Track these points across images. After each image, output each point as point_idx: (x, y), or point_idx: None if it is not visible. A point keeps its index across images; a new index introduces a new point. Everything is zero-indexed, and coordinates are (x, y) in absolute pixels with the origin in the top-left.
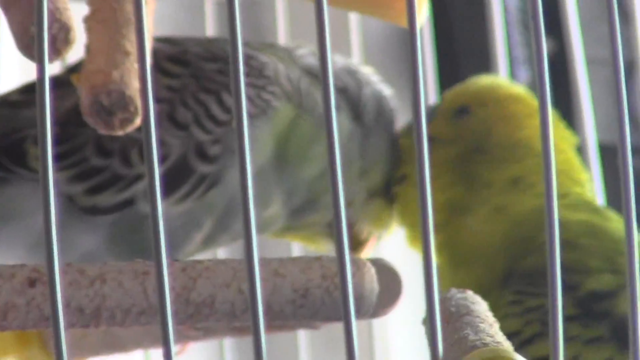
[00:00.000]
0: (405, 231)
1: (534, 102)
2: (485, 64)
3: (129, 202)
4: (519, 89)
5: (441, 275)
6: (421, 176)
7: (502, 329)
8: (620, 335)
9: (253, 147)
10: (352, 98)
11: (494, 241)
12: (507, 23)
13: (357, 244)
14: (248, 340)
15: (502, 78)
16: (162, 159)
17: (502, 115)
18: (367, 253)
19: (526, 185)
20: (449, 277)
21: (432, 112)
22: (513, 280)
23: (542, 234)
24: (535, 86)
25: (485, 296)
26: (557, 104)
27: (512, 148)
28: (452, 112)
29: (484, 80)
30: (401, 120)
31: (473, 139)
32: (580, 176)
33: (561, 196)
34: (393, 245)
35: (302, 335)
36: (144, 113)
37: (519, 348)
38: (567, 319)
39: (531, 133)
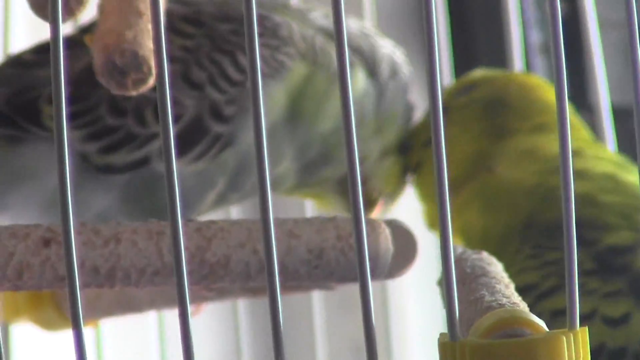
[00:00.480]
0: (422, 191)
1: (545, 83)
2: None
3: (143, 162)
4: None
5: (469, 225)
6: (436, 137)
7: (520, 281)
8: (638, 289)
9: (266, 106)
10: (367, 56)
11: (523, 185)
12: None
13: (368, 203)
14: (262, 302)
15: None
16: (176, 119)
17: (512, 80)
18: (377, 212)
19: (551, 130)
20: (477, 225)
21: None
22: (532, 232)
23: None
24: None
25: (505, 246)
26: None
27: (530, 102)
28: (454, 93)
29: (484, 71)
30: (416, 86)
31: (488, 96)
32: (584, 134)
33: (587, 147)
34: (408, 206)
35: (316, 297)
36: (158, 73)
37: (536, 301)
38: (585, 274)
39: (546, 97)
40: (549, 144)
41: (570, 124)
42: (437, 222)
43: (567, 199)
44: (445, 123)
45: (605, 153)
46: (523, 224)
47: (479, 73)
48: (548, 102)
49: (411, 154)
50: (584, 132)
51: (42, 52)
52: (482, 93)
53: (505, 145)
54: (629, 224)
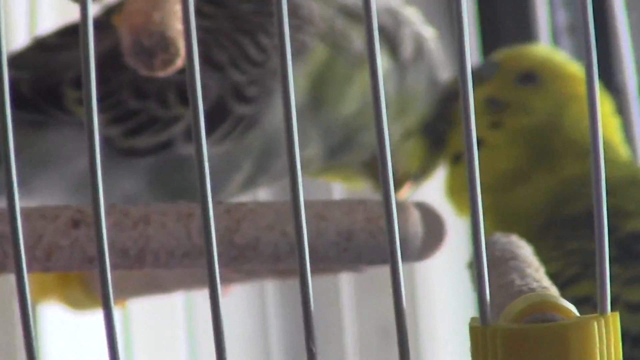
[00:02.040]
0: (449, 182)
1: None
2: (527, 27)
3: (167, 144)
4: (580, 68)
5: (495, 221)
6: (467, 127)
7: (547, 274)
8: None
9: (295, 86)
10: (389, 36)
11: (539, 199)
12: None
13: (394, 184)
14: (289, 284)
15: (558, 50)
16: (203, 101)
17: (573, 94)
18: (404, 193)
19: (586, 156)
20: (505, 223)
21: (490, 69)
22: (553, 227)
23: (583, 187)
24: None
25: (534, 240)
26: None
27: (583, 129)
28: (517, 76)
29: (543, 49)
30: (446, 64)
31: (546, 112)
32: (618, 136)
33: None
34: (437, 190)
35: (344, 279)
36: (186, 54)
37: (559, 290)
38: (613, 261)
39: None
40: (570, 167)
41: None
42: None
43: (598, 184)
44: (499, 118)
45: (628, 161)
46: (541, 226)
47: (539, 57)
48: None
49: (449, 143)
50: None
51: (66, 35)
52: (542, 96)
53: (542, 169)
54: None
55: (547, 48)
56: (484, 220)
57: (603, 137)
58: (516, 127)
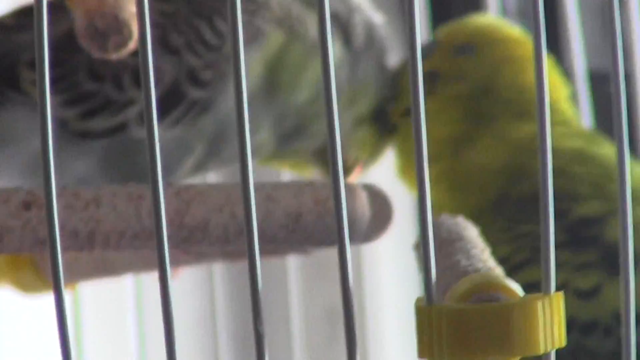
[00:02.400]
0: (400, 162)
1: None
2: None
3: (122, 127)
4: (519, 31)
5: (437, 205)
6: (415, 107)
7: (492, 255)
8: (609, 261)
9: (248, 70)
10: (342, 24)
11: (492, 167)
12: None
13: (344, 170)
14: (237, 266)
15: (499, 18)
16: (157, 82)
17: (508, 56)
18: (353, 178)
19: (529, 118)
20: (445, 204)
21: (430, 47)
22: (505, 206)
23: (536, 161)
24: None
25: (477, 221)
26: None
27: (518, 89)
28: (454, 48)
29: (482, 19)
30: (394, 50)
31: (480, 78)
32: (567, 101)
33: (556, 123)
34: (384, 172)
35: (292, 261)
36: (140, 36)
37: (508, 274)
38: (556, 246)
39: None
40: (520, 130)
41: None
42: (410, 176)
43: (544, 168)
44: (432, 89)
45: (578, 129)
46: (493, 201)
47: (476, 27)
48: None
49: (398, 101)
50: (566, 108)
51: (22, 16)
52: (477, 64)
53: (482, 131)
54: (599, 194)
55: (486, 18)
56: (436, 191)
57: (551, 103)
58: (449, 94)
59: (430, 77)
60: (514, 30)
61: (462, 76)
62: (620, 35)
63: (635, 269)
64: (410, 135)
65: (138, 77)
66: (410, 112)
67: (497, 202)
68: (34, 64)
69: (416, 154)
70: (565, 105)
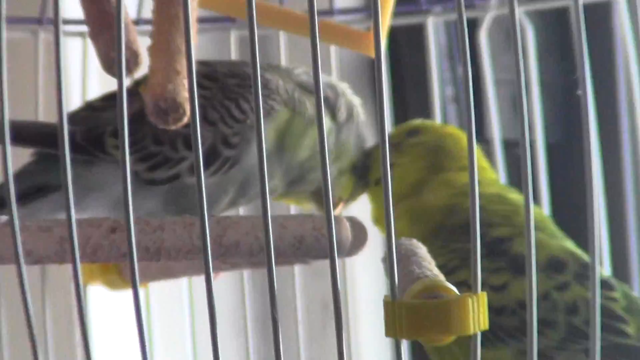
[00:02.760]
0: (374, 213)
1: (461, 133)
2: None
3: (176, 176)
4: (452, 128)
5: (399, 232)
6: (384, 174)
7: (436, 265)
8: (514, 267)
9: (265, 138)
10: (331, 105)
11: (436, 206)
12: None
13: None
14: (260, 272)
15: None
16: (202, 146)
17: (445, 133)
18: (338, 211)
19: (463, 173)
20: (404, 231)
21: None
22: (442, 232)
23: (466, 201)
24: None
25: (425, 242)
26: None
27: (458, 149)
28: (404, 134)
29: (422, 120)
30: (367, 123)
31: (424, 149)
32: (489, 171)
33: (480, 177)
34: (362, 209)
35: (297, 269)
36: (191, 113)
37: (445, 276)
38: (481, 257)
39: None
40: (463, 177)
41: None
42: (382, 221)
43: (473, 207)
44: (397, 155)
45: (495, 181)
46: (436, 228)
47: (419, 121)
48: (463, 152)
49: (372, 172)
50: (487, 168)
51: (107, 100)
52: (426, 138)
53: (435, 178)
54: (508, 223)
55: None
56: (400, 222)
57: (484, 168)
58: (408, 159)
59: (395, 147)
60: (445, 126)
61: (417, 144)
62: (526, 116)
63: (516, 275)
64: (381, 197)
65: (188, 141)
66: (378, 182)
67: (438, 228)
68: (116, 133)
69: (385, 210)
70: (487, 168)
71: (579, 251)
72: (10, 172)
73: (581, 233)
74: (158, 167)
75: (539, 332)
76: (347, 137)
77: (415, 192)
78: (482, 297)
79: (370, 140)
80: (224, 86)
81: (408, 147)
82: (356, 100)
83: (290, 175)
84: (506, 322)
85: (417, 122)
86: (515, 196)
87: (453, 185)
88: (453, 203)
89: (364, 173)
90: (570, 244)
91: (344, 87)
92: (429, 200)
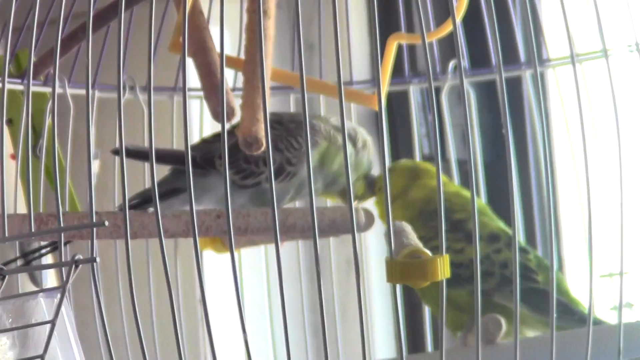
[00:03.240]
0: (379, 211)
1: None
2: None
3: (258, 183)
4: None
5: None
6: (385, 191)
7: (418, 236)
8: (468, 238)
9: (311, 158)
10: (352, 138)
11: (418, 199)
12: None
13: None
14: (309, 241)
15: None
16: (272, 164)
17: (419, 172)
18: (355, 205)
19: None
20: (397, 217)
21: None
22: (422, 216)
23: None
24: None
25: (410, 222)
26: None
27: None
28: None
29: (407, 165)
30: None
31: (405, 182)
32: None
33: (446, 184)
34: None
35: (332, 239)
36: (267, 144)
37: (424, 244)
38: (446, 231)
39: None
40: (433, 183)
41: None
42: (384, 217)
43: (440, 199)
44: (392, 174)
45: (454, 186)
46: (418, 214)
47: (404, 160)
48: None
49: (376, 184)
50: (447, 181)
51: (215, 137)
52: (405, 169)
53: (415, 183)
54: (463, 210)
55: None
56: (395, 212)
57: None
58: (397, 177)
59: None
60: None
61: (403, 170)
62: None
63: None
64: (382, 201)
65: (264, 161)
66: (380, 190)
67: (420, 214)
68: (221, 156)
69: (385, 210)
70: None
71: (507, 229)
72: (155, 180)
73: (507, 216)
74: (247, 177)
75: (482, 279)
76: (361, 158)
77: (403, 193)
78: (446, 258)
79: (375, 162)
80: (288, 128)
81: (398, 170)
82: (368, 137)
83: (327, 180)
84: (463, 273)
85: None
86: (466, 193)
87: (427, 187)
88: (428, 198)
89: (371, 185)
90: (502, 224)
91: (361, 129)
92: (412, 196)
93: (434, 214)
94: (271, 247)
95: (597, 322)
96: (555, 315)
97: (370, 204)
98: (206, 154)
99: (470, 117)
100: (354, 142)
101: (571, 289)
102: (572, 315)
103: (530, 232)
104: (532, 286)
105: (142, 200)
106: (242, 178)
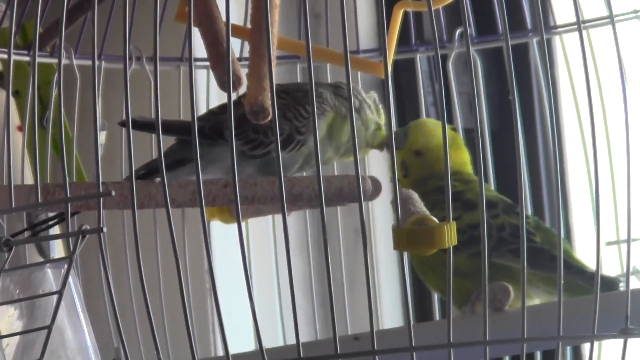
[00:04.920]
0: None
1: (453, 133)
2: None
3: (268, 153)
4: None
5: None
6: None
7: (425, 205)
8: (464, 206)
9: (319, 127)
10: (357, 108)
11: (421, 178)
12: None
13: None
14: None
15: (436, 127)
16: (281, 134)
17: (439, 157)
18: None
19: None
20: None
21: (401, 140)
22: (427, 189)
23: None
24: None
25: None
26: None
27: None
28: (413, 152)
29: (428, 130)
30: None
31: (426, 171)
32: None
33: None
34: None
35: (339, 208)
36: (274, 113)
37: (430, 212)
38: (442, 202)
39: (453, 158)
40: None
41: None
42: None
43: (447, 182)
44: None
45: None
46: (425, 188)
47: (423, 138)
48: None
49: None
50: (461, 145)
51: (222, 107)
52: (425, 163)
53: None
54: (462, 182)
55: (429, 125)
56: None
57: (461, 168)
58: (411, 178)
59: (404, 167)
60: (439, 135)
61: (417, 168)
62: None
63: (466, 211)
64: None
65: (272, 131)
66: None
67: (426, 190)
68: (228, 127)
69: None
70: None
71: (504, 197)
72: (161, 150)
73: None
74: (256, 147)
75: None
76: (367, 121)
77: (421, 182)
78: (453, 225)
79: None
80: (295, 97)
81: (413, 165)
82: (375, 103)
83: (337, 147)
84: (461, 238)
85: (420, 145)
86: (468, 168)
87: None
88: (432, 177)
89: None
90: (497, 193)
91: (366, 96)
92: (416, 174)
93: (440, 189)
94: (278, 217)
95: (607, 281)
96: (562, 276)
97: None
98: (214, 125)
99: (478, 85)
100: (359, 111)
101: (576, 254)
102: (582, 273)
103: (537, 201)
104: (530, 245)
105: (148, 171)
106: (252, 148)
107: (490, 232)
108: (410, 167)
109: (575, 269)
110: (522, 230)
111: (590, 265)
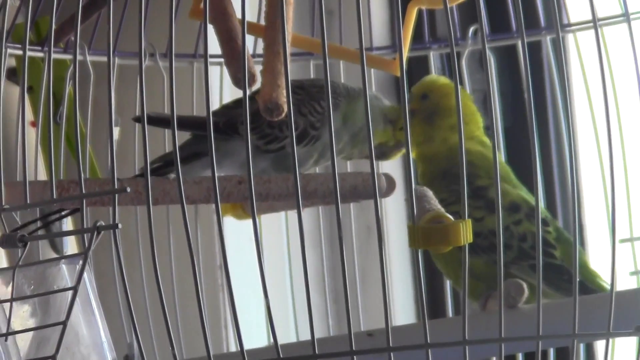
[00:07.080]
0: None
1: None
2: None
3: (282, 148)
4: (449, 83)
5: (417, 169)
6: (405, 128)
7: (439, 199)
8: (488, 206)
9: (334, 120)
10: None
11: (441, 156)
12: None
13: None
14: (330, 207)
15: (439, 76)
16: (296, 129)
17: (445, 95)
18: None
19: (455, 130)
20: (420, 170)
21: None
22: (447, 176)
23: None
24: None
25: (431, 186)
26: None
27: (451, 112)
28: (419, 96)
29: (431, 77)
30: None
31: (432, 109)
32: (480, 125)
33: (470, 137)
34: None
35: (353, 205)
36: (289, 110)
37: (446, 208)
38: (467, 197)
39: (463, 103)
40: (452, 139)
41: (472, 115)
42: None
43: (462, 160)
44: (413, 119)
45: (479, 137)
46: (442, 172)
47: (427, 83)
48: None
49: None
50: (475, 112)
51: (236, 103)
52: (430, 103)
53: (435, 134)
54: (486, 176)
55: (434, 78)
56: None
57: (468, 126)
58: (419, 118)
59: (412, 113)
60: (447, 83)
61: (424, 110)
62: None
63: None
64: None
65: (287, 126)
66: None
67: (444, 173)
68: (243, 122)
69: (406, 172)
70: (476, 127)
71: (528, 197)
72: (177, 145)
73: (526, 181)
74: (270, 142)
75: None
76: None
77: (426, 140)
78: (469, 223)
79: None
80: (310, 93)
81: (419, 112)
82: (383, 98)
83: (352, 137)
84: (481, 243)
85: (426, 83)
86: (490, 154)
87: (450, 140)
88: (453, 155)
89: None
90: (524, 192)
91: (377, 92)
92: (434, 149)
93: (458, 175)
94: (291, 214)
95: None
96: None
97: (393, 170)
98: (229, 120)
99: (492, 83)
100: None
101: (590, 260)
102: (589, 293)
103: (550, 197)
104: (549, 261)
105: (164, 164)
106: (266, 143)
107: (510, 242)
108: (417, 113)
109: (591, 292)
110: (538, 232)
111: (604, 266)
